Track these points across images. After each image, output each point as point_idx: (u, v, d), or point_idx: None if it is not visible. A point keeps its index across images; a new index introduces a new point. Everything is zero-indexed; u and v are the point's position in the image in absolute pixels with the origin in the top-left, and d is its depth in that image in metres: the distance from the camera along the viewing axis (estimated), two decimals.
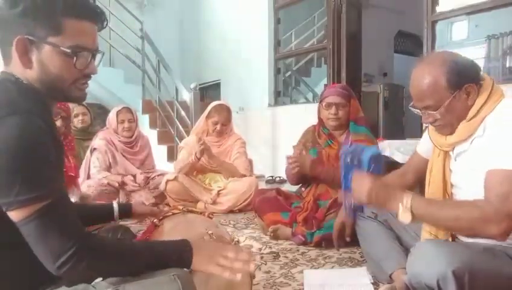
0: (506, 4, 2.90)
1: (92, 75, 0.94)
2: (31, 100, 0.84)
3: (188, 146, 3.18)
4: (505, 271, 1.08)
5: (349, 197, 1.35)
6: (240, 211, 2.97)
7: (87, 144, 3.21)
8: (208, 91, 6.32)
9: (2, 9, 0.84)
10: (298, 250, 2.02)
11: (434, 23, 3.23)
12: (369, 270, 1.63)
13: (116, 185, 2.97)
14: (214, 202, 2.99)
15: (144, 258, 0.88)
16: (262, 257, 1.90)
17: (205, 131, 3.23)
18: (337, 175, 1.78)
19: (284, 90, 5.20)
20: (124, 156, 3.15)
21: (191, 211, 1.46)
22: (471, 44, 6.72)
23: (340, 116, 2.31)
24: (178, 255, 0.90)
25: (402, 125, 5.34)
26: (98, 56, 0.94)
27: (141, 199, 2.92)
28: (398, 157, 2.60)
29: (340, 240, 1.75)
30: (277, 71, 4.94)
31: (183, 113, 4.36)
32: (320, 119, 2.42)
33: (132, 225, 2.45)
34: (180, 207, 1.47)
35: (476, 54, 6.23)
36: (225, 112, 3.16)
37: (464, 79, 1.17)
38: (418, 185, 1.54)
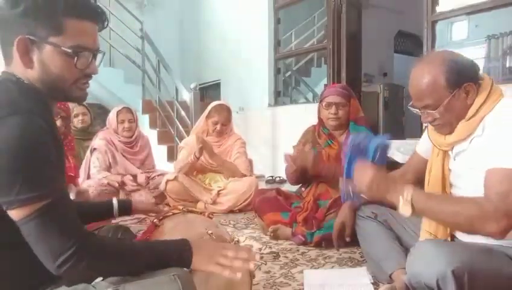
0: (506, 4, 2.90)
1: (92, 75, 0.94)
2: (32, 100, 0.84)
3: (188, 146, 3.18)
4: (504, 271, 1.08)
5: (349, 185, 1.34)
6: (240, 211, 2.97)
7: (87, 144, 3.21)
8: (208, 91, 6.32)
9: (3, 9, 0.85)
10: (298, 250, 2.02)
11: (434, 23, 3.23)
12: (369, 270, 1.63)
13: (116, 185, 2.97)
14: (214, 202, 2.99)
15: (143, 257, 0.88)
16: (262, 257, 1.90)
17: (205, 131, 3.24)
18: (338, 172, 1.77)
19: (284, 90, 5.20)
20: (124, 156, 3.15)
21: (191, 211, 1.46)
22: (471, 44, 6.73)
23: (340, 115, 2.31)
24: (178, 255, 0.90)
25: (402, 125, 5.33)
26: (99, 56, 0.95)
27: (141, 198, 2.92)
28: (398, 157, 2.59)
29: (340, 240, 1.75)
30: (277, 71, 4.94)
31: (183, 113, 4.36)
32: (320, 119, 2.42)
33: (132, 225, 2.46)
34: (180, 207, 1.47)
35: (476, 54, 6.23)
36: (225, 112, 3.17)
37: (463, 78, 1.18)
38: (418, 185, 1.54)
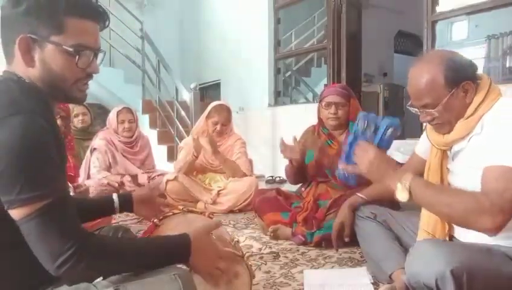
0: (506, 4, 2.90)
1: (93, 75, 0.95)
2: (33, 99, 0.84)
3: (187, 146, 3.18)
4: (503, 271, 1.08)
5: (346, 166, 1.33)
6: (240, 211, 2.97)
7: (87, 144, 3.22)
8: (208, 91, 6.32)
9: (5, 8, 0.85)
10: (298, 250, 2.02)
11: (434, 23, 3.24)
12: (369, 270, 1.64)
13: (116, 185, 2.98)
14: (214, 202, 2.99)
15: (144, 254, 0.89)
16: (262, 257, 1.91)
17: (205, 131, 3.23)
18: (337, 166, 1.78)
19: (284, 90, 5.21)
20: (124, 156, 3.16)
21: (191, 211, 1.47)
22: (471, 44, 6.72)
23: (340, 115, 2.32)
24: (177, 246, 0.93)
25: (402, 126, 5.34)
26: (100, 55, 0.95)
27: (142, 191, 2.92)
28: (398, 157, 2.59)
29: (339, 240, 1.75)
30: (277, 71, 4.94)
31: (183, 113, 4.36)
32: (320, 119, 2.42)
33: (132, 225, 2.46)
34: (180, 207, 1.47)
35: (476, 54, 6.23)
36: (225, 112, 3.16)
37: (462, 76, 1.18)
38: None
